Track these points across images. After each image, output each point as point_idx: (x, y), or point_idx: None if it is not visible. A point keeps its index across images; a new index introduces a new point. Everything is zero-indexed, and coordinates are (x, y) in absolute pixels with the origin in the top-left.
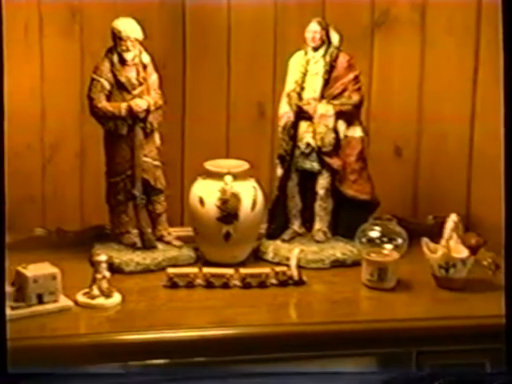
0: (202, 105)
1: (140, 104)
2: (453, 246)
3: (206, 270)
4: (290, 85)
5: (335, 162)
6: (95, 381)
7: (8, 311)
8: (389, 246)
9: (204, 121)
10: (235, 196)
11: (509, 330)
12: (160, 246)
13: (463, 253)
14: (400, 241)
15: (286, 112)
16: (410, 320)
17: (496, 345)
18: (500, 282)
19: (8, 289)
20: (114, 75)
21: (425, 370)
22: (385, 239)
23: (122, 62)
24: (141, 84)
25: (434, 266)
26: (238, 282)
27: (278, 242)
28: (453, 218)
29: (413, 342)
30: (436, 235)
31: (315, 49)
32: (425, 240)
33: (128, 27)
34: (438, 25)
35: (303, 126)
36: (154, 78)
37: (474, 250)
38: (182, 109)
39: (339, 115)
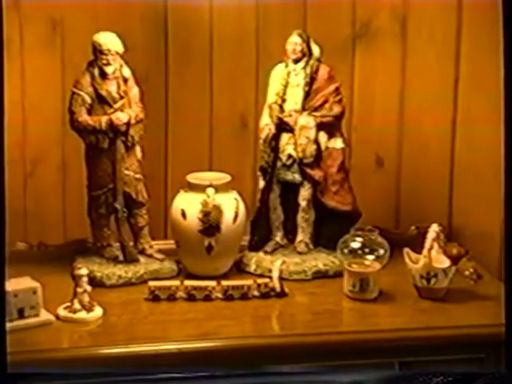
0: (185, 117)
1: (121, 117)
2: (434, 256)
3: (187, 282)
4: (272, 97)
5: (317, 174)
6: (95, 381)
7: None
8: (370, 257)
9: (187, 133)
10: (217, 208)
11: (509, 331)
12: (142, 259)
13: (445, 263)
14: (382, 251)
15: (267, 124)
16: (392, 331)
17: (478, 354)
18: (481, 292)
19: None
20: (95, 89)
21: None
22: (366, 250)
23: (103, 75)
24: (122, 97)
25: (415, 276)
26: (219, 295)
27: (261, 254)
28: (434, 228)
29: (395, 352)
30: (418, 245)
31: (296, 61)
32: (406, 250)
33: (109, 41)
34: (418, 35)
35: (285, 137)
36: (135, 91)
37: (455, 260)
38: (164, 122)
39: (320, 127)
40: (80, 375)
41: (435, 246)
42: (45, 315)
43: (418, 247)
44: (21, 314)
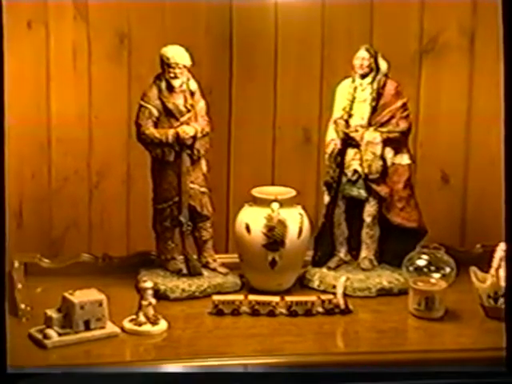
0: (248, 131)
1: (187, 131)
2: (502, 275)
3: (251, 297)
4: (338, 112)
5: (382, 190)
6: (95, 381)
7: (55, 337)
8: (436, 275)
9: (250, 147)
10: (282, 223)
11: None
12: (205, 272)
13: None
14: (448, 270)
15: (332, 139)
16: (458, 351)
17: None
18: None
19: (55, 315)
20: (162, 102)
21: None
22: (432, 268)
23: (170, 88)
24: (188, 111)
25: (482, 295)
26: (283, 310)
27: (324, 270)
28: (502, 247)
29: (460, 372)
30: (484, 264)
31: (363, 76)
32: (473, 269)
33: (176, 54)
34: (487, 51)
35: (350, 153)
36: (201, 104)
37: None
38: (227, 135)
39: (386, 142)
40: (80, 375)
41: (503, 265)
42: (111, 327)
43: (483, 266)
44: (87, 326)
